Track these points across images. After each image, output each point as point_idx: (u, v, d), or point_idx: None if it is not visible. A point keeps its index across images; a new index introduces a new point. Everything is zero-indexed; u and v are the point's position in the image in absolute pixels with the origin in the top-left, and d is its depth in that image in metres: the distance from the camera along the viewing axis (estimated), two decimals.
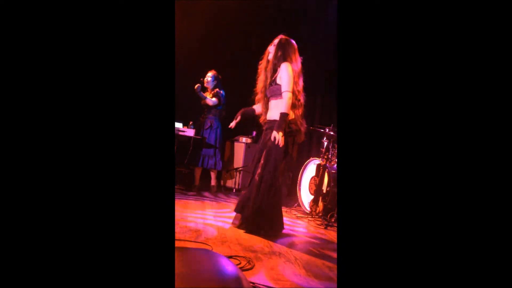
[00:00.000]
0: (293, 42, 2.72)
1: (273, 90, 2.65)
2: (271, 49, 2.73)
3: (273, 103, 2.69)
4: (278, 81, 2.63)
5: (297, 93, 2.64)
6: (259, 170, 2.60)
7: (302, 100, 2.69)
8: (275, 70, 2.68)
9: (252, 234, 2.53)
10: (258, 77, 2.82)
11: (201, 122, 4.38)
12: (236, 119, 2.95)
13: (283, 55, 2.65)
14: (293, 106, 2.64)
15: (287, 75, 2.57)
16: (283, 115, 2.55)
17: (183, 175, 4.58)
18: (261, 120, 2.86)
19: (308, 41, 2.94)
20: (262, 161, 2.61)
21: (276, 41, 2.73)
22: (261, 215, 2.56)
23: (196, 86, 4.08)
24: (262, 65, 2.79)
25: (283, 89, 2.57)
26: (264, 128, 2.76)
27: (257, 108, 2.91)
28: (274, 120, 2.62)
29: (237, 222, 2.69)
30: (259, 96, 2.83)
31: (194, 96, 4.46)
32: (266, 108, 2.77)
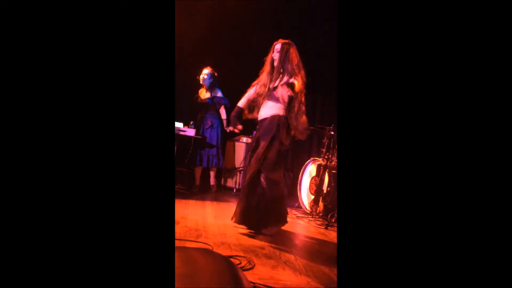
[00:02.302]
0: (294, 45, 2.77)
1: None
2: (275, 56, 2.76)
3: (270, 104, 2.71)
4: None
5: (301, 94, 2.73)
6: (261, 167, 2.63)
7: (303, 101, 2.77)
8: (281, 73, 2.73)
9: (253, 231, 2.56)
10: (259, 81, 2.83)
11: (198, 120, 4.38)
12: (236, 126, 3.00)
13: (290, 61, 2.70)
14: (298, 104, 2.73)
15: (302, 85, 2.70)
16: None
17: (184, 175, 4.58)
18: (250, 116, 2.89)
19: (308, 41, 2.94)
20: (260, 154, 2.63)
21: (278, 46, 2.75)
22: (264, 211, 2.59)
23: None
24: (265, 70, 2.80)
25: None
26: (257, 128, 2.79)
27: (241, 103, 2.94)
28: (264, 118, 2.69)
29: (236, 218, 2.71)
30: (260, 99, 2.84)
31: (194, 96, 4.46)
32: (258, 108, 2.81)
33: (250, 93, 2.91)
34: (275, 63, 2.74)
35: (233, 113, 2.96)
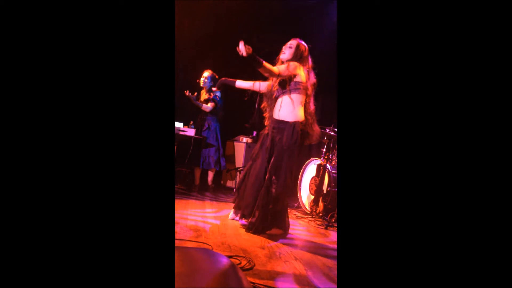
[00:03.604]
0: (307, 47, 2.78)
1: (291, 86, 2.68)
2: (287, 51, 2.74)
3: (284, 100, 2.69)
4: (298, 79, 2.67)
5: (310, 97, 2.76)
6: (269, 170, 2.63)
7: (312, 106, 2.80)
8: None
9: (260, 235, 2.55)
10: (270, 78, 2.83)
11: (198, 122, 4.38)
12: (215, 87, 3.09)
13: (300, 58, 2.71)
14: (306, 111, 2.73)
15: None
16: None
17: (184, 175, 4.58)
18: (267, 120, 2.86)
19: (308, 41, 2.96)
20: (272, 161, 2.63)
21: (294, 43, 2.74)
22: (273, 216, 2.61)
23: (188, 95, 4.08)
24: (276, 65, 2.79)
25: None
26: (272, 126, 2.74)
27: (240, 83, 2.95)
28: (284, 121, 2.65)
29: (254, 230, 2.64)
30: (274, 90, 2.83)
31: (196, 93, 4.46)
32: (272, 105, 2.78)
33: (255, 84, 2.89)
34: (285, 58, 2.72)
35: (226, 79, 2.99)
